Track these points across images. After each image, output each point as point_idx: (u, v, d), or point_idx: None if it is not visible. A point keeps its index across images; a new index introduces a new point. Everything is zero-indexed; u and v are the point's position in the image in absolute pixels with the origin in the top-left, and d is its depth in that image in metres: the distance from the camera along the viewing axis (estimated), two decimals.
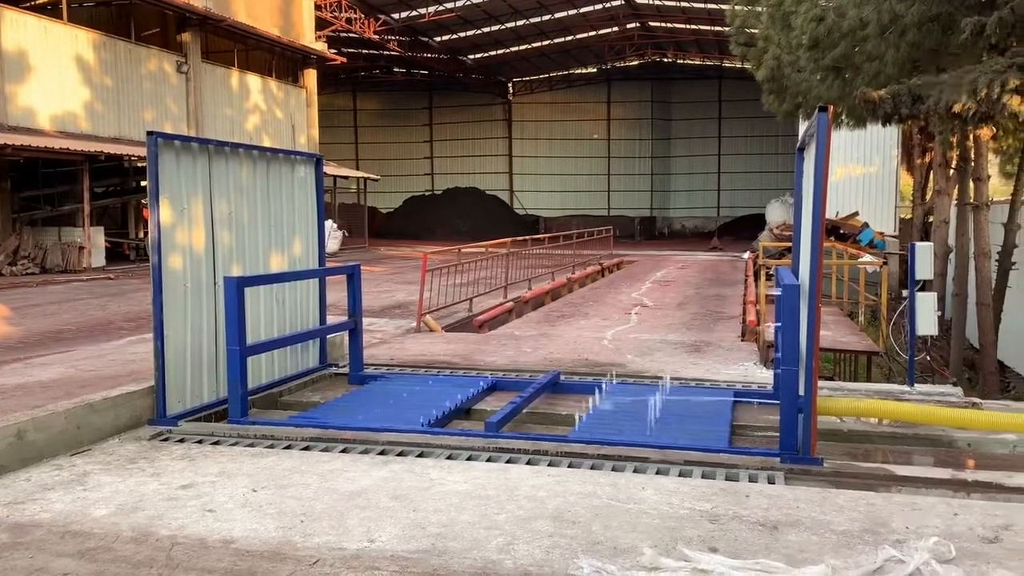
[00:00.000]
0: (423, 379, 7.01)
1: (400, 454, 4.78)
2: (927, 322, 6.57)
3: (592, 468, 4.50)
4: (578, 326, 11.32)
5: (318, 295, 7.35)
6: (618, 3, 39.63)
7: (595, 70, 51.61)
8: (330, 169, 30.33)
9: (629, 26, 42.73)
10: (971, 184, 13.72)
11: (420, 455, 4.76)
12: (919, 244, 6.80)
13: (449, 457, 4.71)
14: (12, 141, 18.96)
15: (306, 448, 4.92)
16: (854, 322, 12.38)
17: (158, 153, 5.50)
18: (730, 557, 3.25)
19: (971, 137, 13.21)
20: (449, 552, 3.36)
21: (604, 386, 6.35)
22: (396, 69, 50.93)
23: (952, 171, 15.16)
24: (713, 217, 50.93)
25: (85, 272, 20.53)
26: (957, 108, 9.12)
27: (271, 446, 4.97)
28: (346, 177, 36.69)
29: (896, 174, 24.83)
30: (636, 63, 49.28)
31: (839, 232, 21.74)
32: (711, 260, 27.80)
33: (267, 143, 29.15)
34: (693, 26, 40.01)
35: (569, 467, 4.52)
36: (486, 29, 41.75)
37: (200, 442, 5.07)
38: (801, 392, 4.58)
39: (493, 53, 46.43)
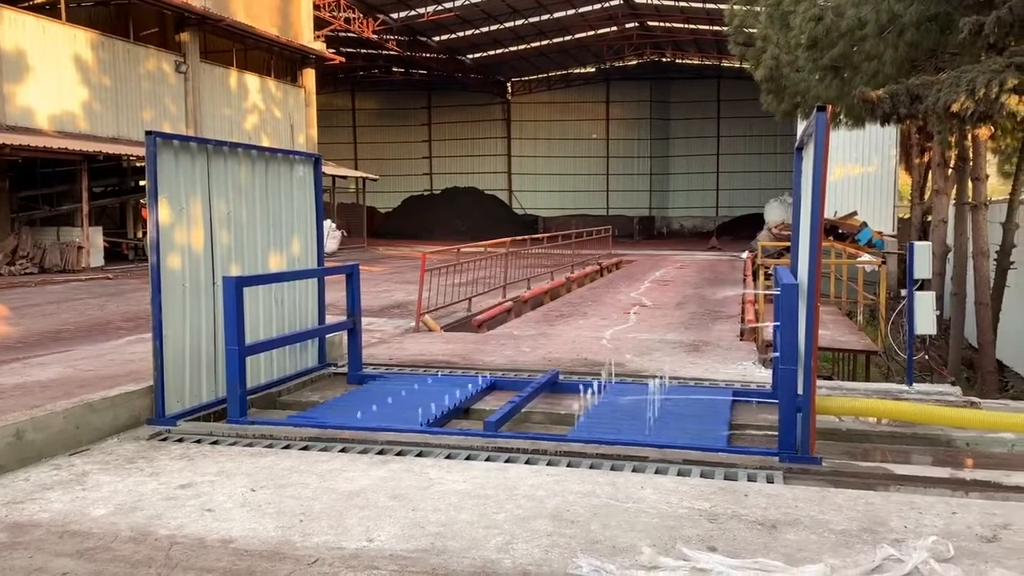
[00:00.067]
0: (422, 379, 7.00)
1: (399, 453, 4.78)
2: (925, 321, 6.56)
3: (591, 467, 4.50)
4: (577, 326, 11.32)
5: (317, 295, 7.35)
6: (617, 3, 39.63)
7: (594, 70, 51.61)
8: (329, 169, 30.34)
9: (628, 26, 42.76)
10: (969, 183, 13.74)
11: (419, 454, 4.76)
12: (917, 243, 6.78)
13: (448, 456, 4.71)
14: (11, 141, 18.94)
15: (305, 448, 4.92)
16: (853, 321, 12.41)
17: (157, 153, 5.49)
18: (729, 556, 3.25)
19: (969, 136, 13.23)
20: (448, 551, 3.36)
21: (603, 385, 6.35)
22: (395, 69, 50.94)
23: (950, 170, 15.19)
24: (712, 217, 50.95)
25: (84, 272, 20.52)
26: (955, 107, 9.13)
27: (270, 446, 4.97)
28: (345, 177, 36.68)
29: (894, 174, 24.81)
30: (635, 63, 49.30)
31: (838, 231, 21.77)
32: (710, 260, 27.80)
33: (266, 143, 29.16)
34: (692, 26, 40.03)
35: (568, 466, 4.52)
36: (485, 29, 41.74)
37: (199, 442, 5.07)
38: (800, 391, 4.58)
39: (492, 53, 46.43)
